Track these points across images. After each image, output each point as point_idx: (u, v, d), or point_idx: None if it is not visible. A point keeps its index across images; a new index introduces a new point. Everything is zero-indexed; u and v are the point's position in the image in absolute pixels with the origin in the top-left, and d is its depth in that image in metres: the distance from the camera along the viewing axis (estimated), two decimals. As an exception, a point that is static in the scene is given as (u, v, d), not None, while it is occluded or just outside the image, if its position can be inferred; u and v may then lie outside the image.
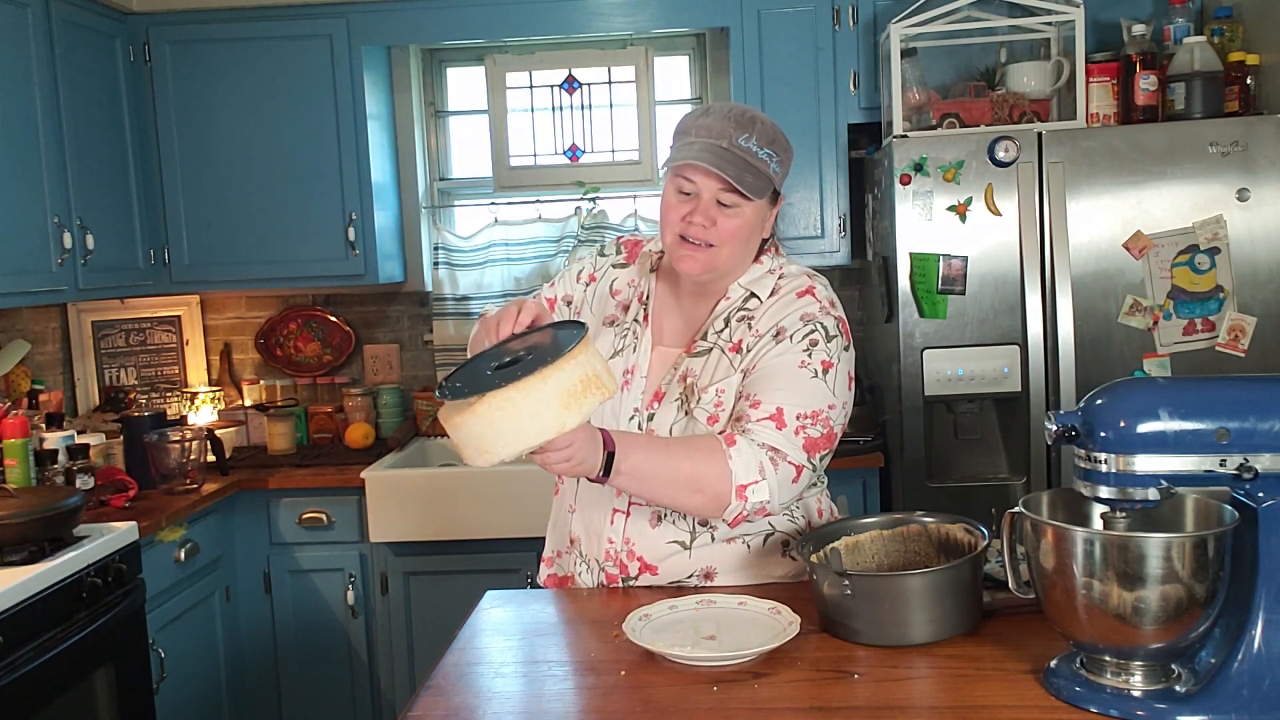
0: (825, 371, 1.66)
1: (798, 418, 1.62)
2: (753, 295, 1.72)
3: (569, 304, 1.88)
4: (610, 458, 1.53)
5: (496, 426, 1.42)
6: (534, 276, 3.71)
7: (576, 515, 1.80)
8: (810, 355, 1.66)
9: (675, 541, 1.73)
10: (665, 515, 1.72)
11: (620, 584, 1.76)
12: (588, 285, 1.88)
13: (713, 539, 1.73)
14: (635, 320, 1.79)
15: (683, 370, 1.72)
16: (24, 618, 2.17)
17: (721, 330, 1.73)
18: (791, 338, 1.67)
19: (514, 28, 3.39)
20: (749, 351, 1.69)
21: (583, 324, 1.52)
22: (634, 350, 1.77)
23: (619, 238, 1.92)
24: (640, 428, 1.72)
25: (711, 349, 1.72)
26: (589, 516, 1.78)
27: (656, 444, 1.62)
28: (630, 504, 1.73)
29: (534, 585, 1.93)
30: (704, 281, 1.72)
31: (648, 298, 1.80)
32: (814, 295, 1.71)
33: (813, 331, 1.67)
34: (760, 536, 1.75)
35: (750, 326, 1.70)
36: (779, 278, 1.74)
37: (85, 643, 2.35)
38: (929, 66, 3.11)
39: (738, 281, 1.74)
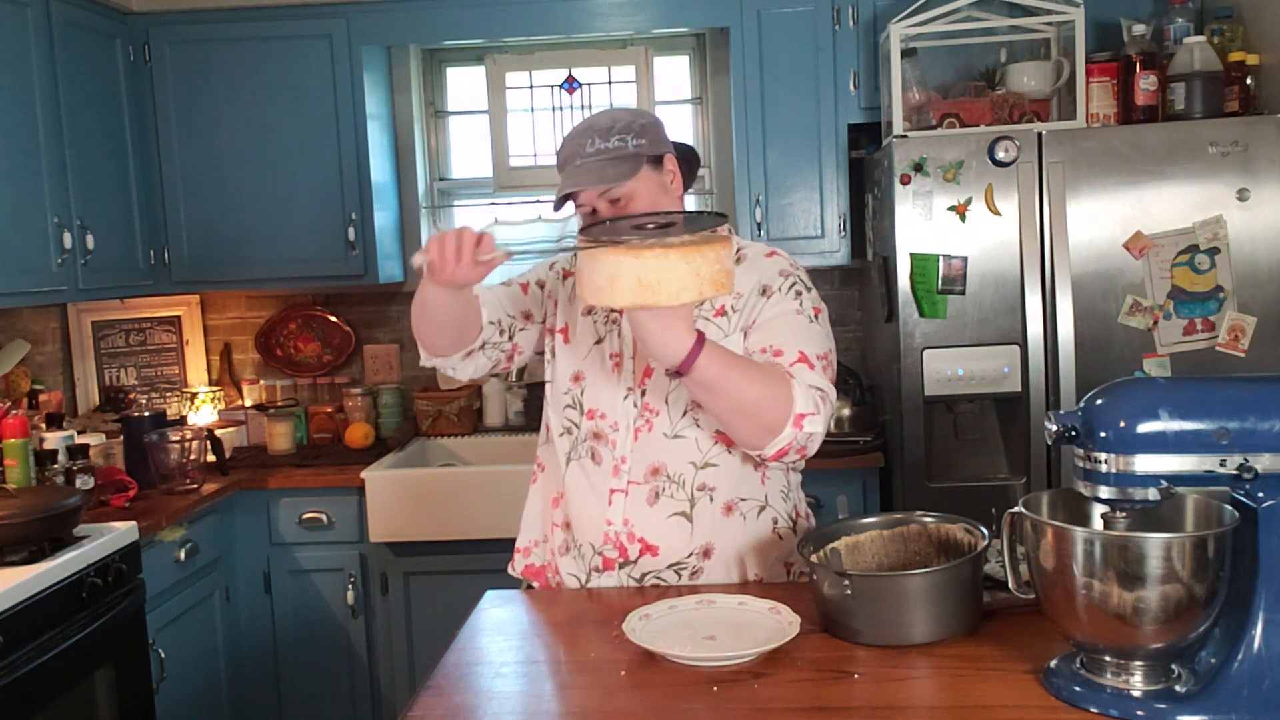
0: (817, 317, 1.78)
1: (818, 358, 1.71)
2: None
3: (541, 286, 1.93)
4: (695, 356, 1.54)
5: (604, 270, 1.48)
6: (534, 276, 3.71)
7: (567, 500, 1.82)
8: (801, 304, 1.77)
9: (678, 514, 1.76)
10: (663, 490, 1.75)
11: (617, 568, 1.77)
12: (561, 278, 1.93)
13: (711, 500, 1.76)
14: (612, 310, 1.85)
15: None
16: (24, 618, 2.17)
17: (701, 303, 1.78)
18: (780, 290, 1.77)
19: (514, 28, 3.40)
20: (736, 312, 1.77)
21: (723, 216, 1.58)
22: (617, 336, 1.82)
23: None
24: (635, 405, 1.77)
25: (694, 320, 1.77)
26: (582, 501, 1.80)
27: (736, 360, 1.63)
28: (629, 483, 1.76)
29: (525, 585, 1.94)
30: None
31: None
32: (780, 255, 1.84)
33: (795, 284, 1.79)
34: (755, 509, 1.80)
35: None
36: (738, 248, 1.85)
37: (85, 643, 2.35)
38: (929, 66, 3.11)
39: None
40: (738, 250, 1.85)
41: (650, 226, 1.55)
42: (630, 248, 1.45)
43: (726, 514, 1.78)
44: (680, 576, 1.78)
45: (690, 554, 1.77)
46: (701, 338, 1.55)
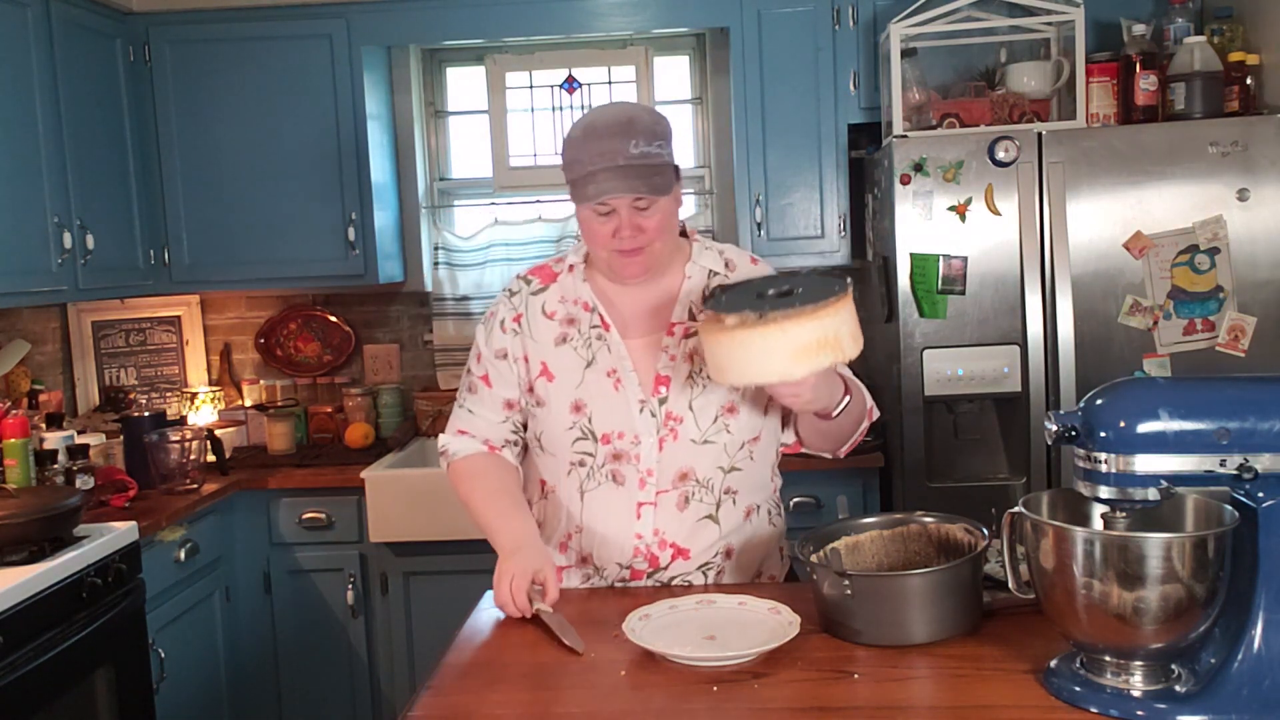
0: None
1: None
2: (713, 273, 1.83)
3: (504, 357, 1.84)
4: (848, 389, 1.70)
5: (731, 355, 1.53)
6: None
7: (585, 533, 1.80)
8: None
9: (705, 517, 1.77)
10: (693, 495, 1.76)
11: (646, 577, 1.78)
12: (515, 331, 1.84)
13: (735, 503, 1.79)
14: (593, 327, 1.80)
15: (686, 351, 1.77)
16: (24, 618, 2.17)
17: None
18: None
19: (514, 28, 3.40)
20: None
21: (846, 279, 1.59)
22: (608, 352, 1.78)
23: (517, 276, 1.91)
24: (653, 415, 1.75)
25: None
26: (605, 524, 1.78)
27: (851, 382, 1.74)
28: (657, 493, 1.75)
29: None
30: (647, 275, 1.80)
31: (594, 305, 1.80)
32: (758, 260, 1.89)
33: None
34: (757, 506, 1.84)
35: None
36: (720, 252, 1.87)
37: (85, 643, 2.35)
38: (929, 66, 3.11)
39: (691, 263, 1.83)
40: (722, 255, 1.86)
41: (771, 293, 1.58)
42: (819, 310, 1.49)
43: (746, 517, 1.81)
44: (706, 577, 1.79)
45: (716, 554, 1.79)
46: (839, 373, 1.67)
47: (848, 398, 1.69)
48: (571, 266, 1.84)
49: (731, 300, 1.58)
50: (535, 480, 1.89)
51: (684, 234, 1.86)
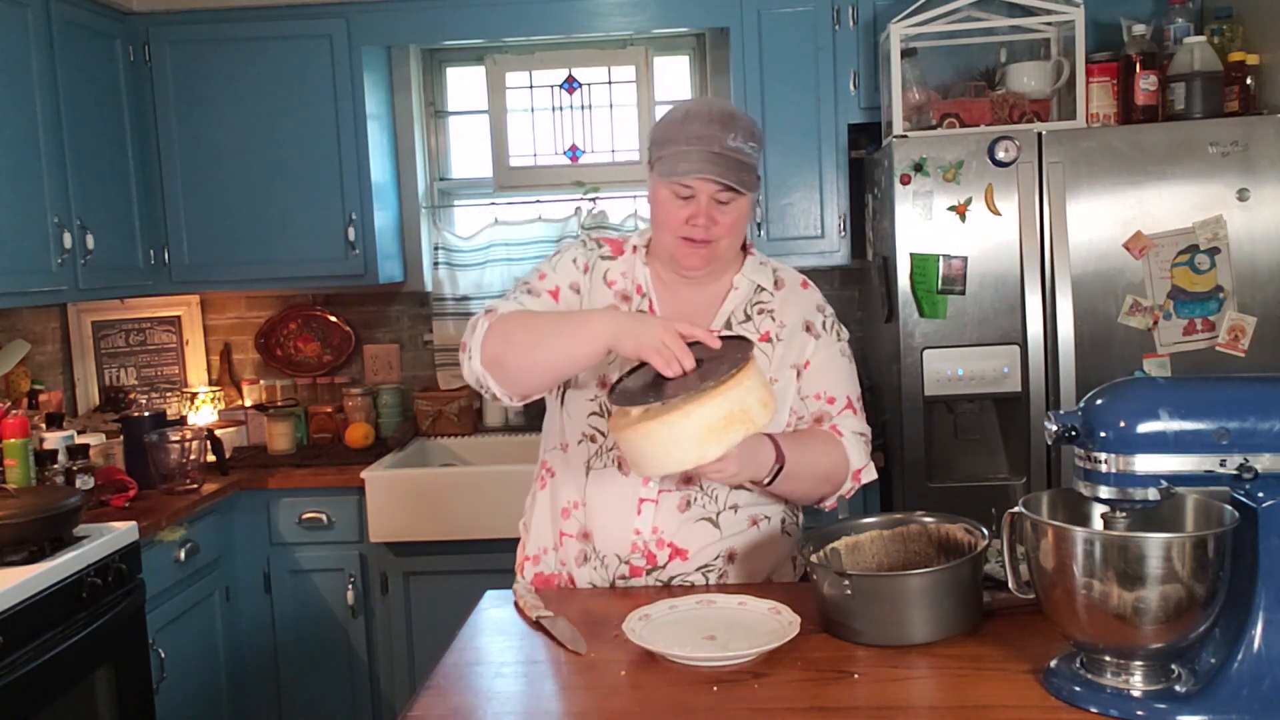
0: (850, 352, 1.87)
1: (858, 400, 1.84)
2: (760, 288, 1.83)
3: (576, 290, 1.82)
4: (782, 453, 1.66)
5: (642, 448, 1.50)
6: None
7: (587, 511, 1.79)
8: (841, 340, 1.85)
9: (705, 519, 1.77)
10: (695, 500, 1.76)
11: (645, 574, 1.77)
12: (585, 272, 1.84)
13: (736, 512, 1.78)
14: (639, 311, 1.80)
15: None
16: (24, 618, 2.17)
17: (744, 322, 1.82)
18: (824, 328, 1.83)
19: (514, 28, 3.40)
20: (781, 341, 1.80)
21: (749, 344, 1.56)
22: None
23: (588, 236, 1.91)
24: None
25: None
26: (606, 512, 1.78)
27: (800, 445, 1.72)
28: (660, 491, 1.75)
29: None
30: (706, 270, 1.80)
31: (647, 290, 1.82)
32: (811, 285, 1.89)
33: (833, 321, 1.86)
34: (769, 517, 1.83)
35: (773, 318, 1.81)
36: (773, 269, 1.87)
37: (85, 643, 2.35)
38: (929, 66, 3.11)
39: (741, 274, 1.83)
40: (774, 273, 1.86)
41: (671, 375, 1.53)
42: (720, 387, 1.46)
43: (750, 525, 1.81)
44: (708, 579, 1.79)
45: (717, 557, 1.78)
46: (772, 436, 1.64)
47: (778, 465, 1.65)
48: (635, 248, 1.86)
49: (631, 390, 1.56)
50: (554, 429, 1.86)
51: (742, 246, 1.85)
